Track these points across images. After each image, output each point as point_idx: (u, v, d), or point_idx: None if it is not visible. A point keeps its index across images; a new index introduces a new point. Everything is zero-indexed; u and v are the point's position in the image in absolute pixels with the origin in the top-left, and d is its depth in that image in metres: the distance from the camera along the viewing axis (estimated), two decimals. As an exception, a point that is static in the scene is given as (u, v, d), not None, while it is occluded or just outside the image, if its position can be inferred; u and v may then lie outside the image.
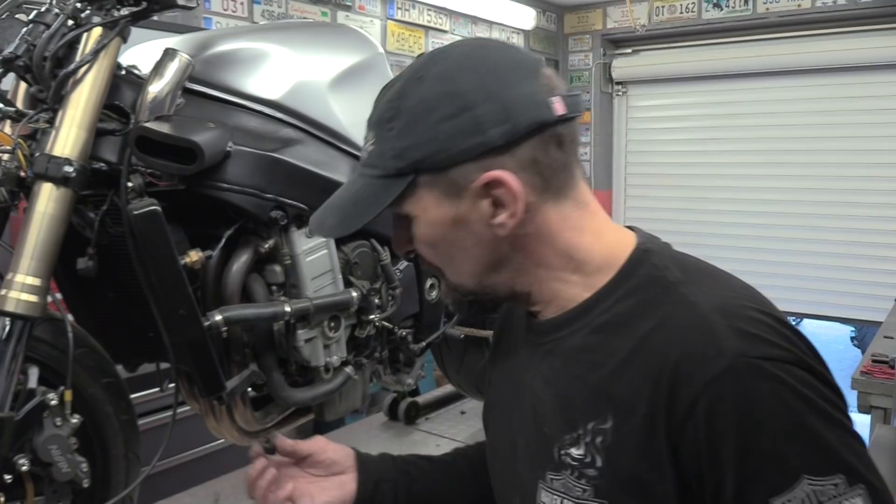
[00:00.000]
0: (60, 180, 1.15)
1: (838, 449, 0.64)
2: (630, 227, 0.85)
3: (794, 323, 1.45)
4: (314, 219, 0.83)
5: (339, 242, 1.53)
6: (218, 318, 1.29)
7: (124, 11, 1.24)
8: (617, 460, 0.71)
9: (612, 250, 0.79)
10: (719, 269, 0.79)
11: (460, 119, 0.72)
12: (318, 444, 1.02)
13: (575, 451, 0.75)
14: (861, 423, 1.78)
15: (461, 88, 0.73)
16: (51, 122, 1.20)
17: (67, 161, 1.15)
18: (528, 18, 4.94)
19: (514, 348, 0.91)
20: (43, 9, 1.21)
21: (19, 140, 1.19)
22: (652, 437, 0.69)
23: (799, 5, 4.47)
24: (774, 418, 0.64)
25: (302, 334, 1.44)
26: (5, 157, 1.17)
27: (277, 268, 1.43)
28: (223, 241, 1.33)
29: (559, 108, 0.73)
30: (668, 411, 0.68)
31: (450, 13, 4.52)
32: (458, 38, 4.52)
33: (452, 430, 2.18)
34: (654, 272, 0.76)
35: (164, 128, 1.21)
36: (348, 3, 3.88)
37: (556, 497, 0.76)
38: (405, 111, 0.74)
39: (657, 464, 0.69)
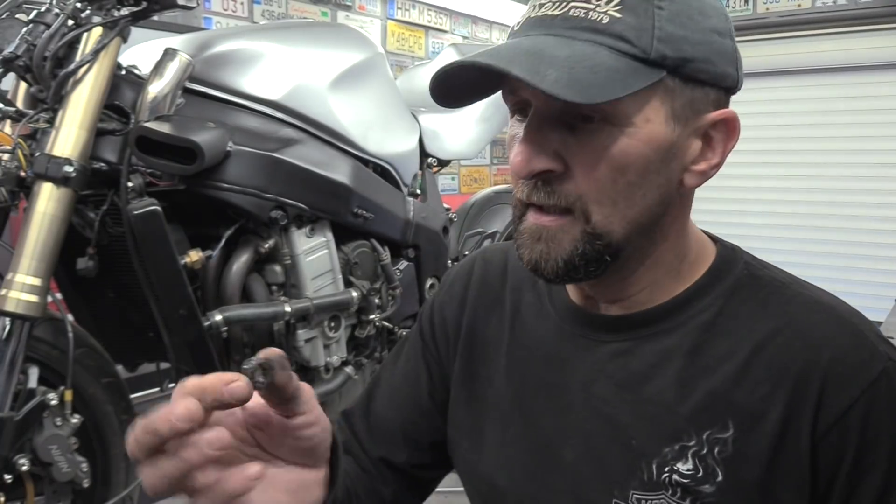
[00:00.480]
0: (60, 180, 1.15)
1: None
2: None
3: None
4: (508, 56, 0.61)
5: (339, 242, 1.53)
6: (218, 318, 1.29)
7: (124, 11, 1.24)
8: (739, 471, 0.63)
9: (700, 247, 0.72)
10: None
11: (727, 42, 0.65)
12: (311, 415, 0.58)
13: (683, 467, 0.65)
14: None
15: (722, 11, 0.65)
16: (51, 122, 1.20)
17: (67, 161, 1.15)
18: (528, 18, 4.94)
19: (535, 342, 0.78)
20: (43, 9, 1.21)
21: (19, 140, 1.19)
22: (787, 444, 0.63)
23: (799, 5, 4.47)
24: None
25: (302, 334, 1.44)
26: (5, 157, 1.17)
27: (277, 268, 1.43)
28: (223, 241, 1.34)
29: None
30: (814, 416, 0.62)
31: (450, 13, 4.52)
32: (458, 38, 4.53)
33: (452, 430, 2.17)
34: (754, 271, 0.70)
35: (164, 128, 1.21)
36: (348, 3, 3.88)
37: None
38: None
39: (789, 471, 0.63)
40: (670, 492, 0.65)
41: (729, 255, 0.72)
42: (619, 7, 0.60)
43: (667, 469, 0.65)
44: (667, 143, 0.63)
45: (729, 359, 0.66)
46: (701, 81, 0.64)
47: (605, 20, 0.61)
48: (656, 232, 0.67)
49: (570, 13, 0.62)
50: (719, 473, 0.64)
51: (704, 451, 0.65)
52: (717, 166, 0.67)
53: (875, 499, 0.63)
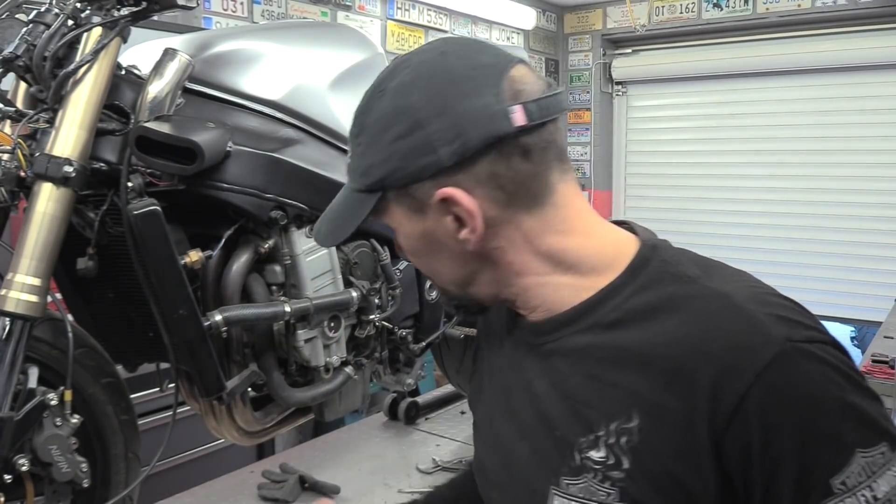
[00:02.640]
0: (60, 180, 1.15)
1: (877, 418, 0.65)
2: (621, 222, 0.83)
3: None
4: (316, 226, 0.86)
5: (339, 243, 1.53)
6: (218, 318, 1.29)
7: (124, 11, 1.24)
8: (647, 460, 0.68)
9: (610, 248, 0.77)
10: (720, 262, 0.78)
11: (413, 138, 0.71)
12: None
13: (595, 454, 0.71)
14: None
15: (414, 105, 0.71)
16: (51, 122, 1.20)
17: (67, 161, 1.15)
18: (528, 18, 4.94)
19: (500, 350, 0.89)
20: (43, 9, 1.21)
21: (19, 140, 1.19)
22: (688, 434, 0.66)
23: (799, 5, 4.47)
24: (827, 398, 0.64)
25: (302, 334, 1.44)
26: (5, 157, 1.17)
27: (277, 268, 1.43)
28: (223, 241, 1.34)
29: (519, 118, 0.70)
30: (712, 406, 0.65)
31: (450, 13, 4.52)
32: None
33: (452, 431, 2.18)
34: (667, 268, 0.74)
35: (164, 128, 1.21)
36: (348, 3, 3.88)
37: (574, 503, 0.73)
38: (367, 128, 0.75)
39: (695, 462, 0.66)
40: (591, 474, 0.72)
41: (647, 254, 0.77)
42: (350, 154, 0.79)
43: (584, 457, 0.72)
44: (418, 232, 0.77)
45: (633, 352, 0.71)
46: (406, 184, 0.74)
47: (347, 167, 0.80)
48: (497, 275, 0.78)
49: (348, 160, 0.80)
50: (625, 461, 0.69)
51: (613, 441, 0.70)
52: (475, 229, 0.74)
53: (794, 485, 0.63)
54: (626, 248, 0.78)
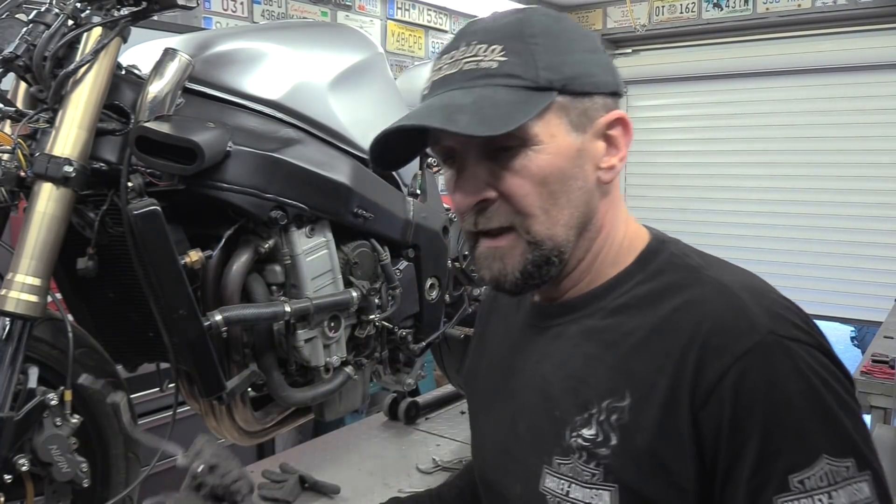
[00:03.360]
0: (60, 180, 1.15)
1: (851, 433, 0.66)
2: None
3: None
4: (424, 113, 0.73)
5: (339, 242, 1.53)
6: (218, 318, 1.29)
7: (124, 11, 1.24)
8: (633, 437, 0.70)
9: (632, 237, 0.81)
10: (728, 261, 0.81)
11: (599, 56, 0.76)
12: None
13: (587, 432, 0.73)
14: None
15: (588, 33, 0.78)
16: (51, 122, 1.20)
17: (67, 161, 1.15)
18: (528, 18, 4.94)
19: (508, 335, 0.91)
20: (43, 9, 1.21)
21: (19, 140, 1.19)
22: (672, 412, 0.68)
23: (799, 5, 4.47)
24: (800, 395, 0.65)
25: (302, 334, 1.44)
26: (5, 157, 1.17)
27: (277, 268, 1.43)
28: (223, 241, 1.33)
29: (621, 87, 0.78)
30: (693, 383, 0.67)
31: (450, 13, 4.52)
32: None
33: (452, 430, 2.18)
34: (674, 259, 0.78)
35: (164, 128, 1.21)
36: (348, 3, 3.88)
37: (563, 482, 0.74)
38: (546, 31, 0.74)
39: (677, 440, 0.68)
40: (577, 455, 0.73)
41: (657, 246, 0.80)
42: (503, 52, 0.72)
43: (575, 434, 0.74)
44: (573, 150, 0.74)
45: (633, 334, 0.73)
46: (587, 93, 0.74)
47: (495, 65, 0.72)
48: (591, 226, 0.77)
49: (465, 68, 0.73)
50: (613, 438, 0.71)
51: (603, 418, 0.72)
52: (623, 159, 0.76)
53: (751, 472, 0.65)
54: (641, 239, 0.81)
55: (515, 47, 0.72)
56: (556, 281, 0.80)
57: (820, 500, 0.63)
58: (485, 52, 0.73)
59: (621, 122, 0.76)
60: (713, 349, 0.67)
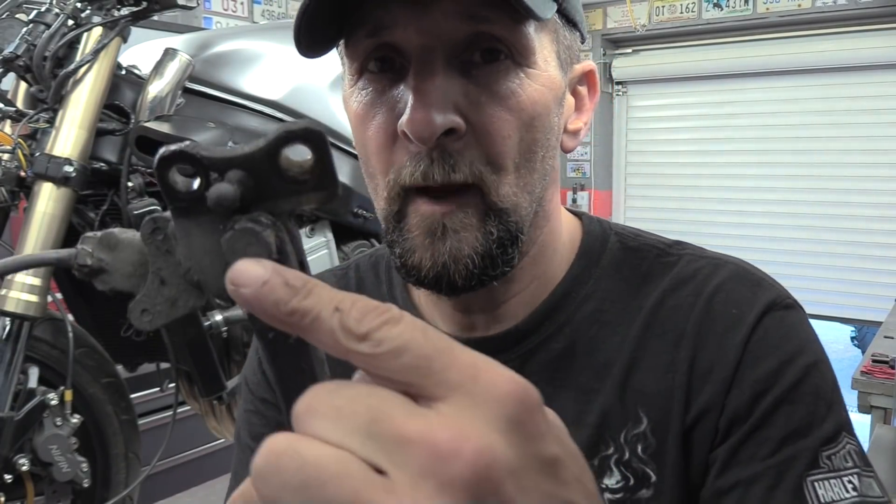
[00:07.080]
0: (60, 180, 1.15)
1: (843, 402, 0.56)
2: None
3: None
4: None
5: (339, 242, 1.53)
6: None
7: (124, 11, 1.24)
8: (670, 458, 0.55)
9: (567, 222, 0.63)
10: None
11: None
12: None
13: (609, 481, 0.56)
14: (861, 423, 1.78)
15: None
16: (51, 122, 1.20)
17: (67, 161, 1.15)
18: (528, 18, 4.94)
19: None
20: (43, 9, 1.21)
21: (19, 140, 1.19)
22: (698, 393, 0.55)
23: (799, 5, 4.47)
24: (823, 363, 0.56)
25: (302, 334, 1.44)
26: (5, 157, 1.17)
27: (277, 268, 1.43)
28: (223, 241, 1.33)
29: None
30: (710, 367, 0.55)
31: (450, 13, 4.52)
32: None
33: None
34: (627, 242, 0.62)
35: (164, 127, 1.22)
36: (348, 3, 3.88)
37: None
38: None
39: (706, 425, 0.55)
40: None
41: (597, 231, 0.62)
42: None
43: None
44: (560, 92, 0.54)
45: (622, 345, 0.57)
46: (573, 23, 0.56)
47: None
48: (540, 209, 0.57)
49: None
50: (652, 474, 0.55)
51: (627, 456, 0.55)
52: (587, 124, 0.59)
53: (775, 445, 0.53)
54: (571, 222, 0.63)
55: None
56: (488, 288, 0.55)
57: (850, 481, 0.52)
58: None
59: (590, 77, 0.59)
60: (726, 323, 0.55)
